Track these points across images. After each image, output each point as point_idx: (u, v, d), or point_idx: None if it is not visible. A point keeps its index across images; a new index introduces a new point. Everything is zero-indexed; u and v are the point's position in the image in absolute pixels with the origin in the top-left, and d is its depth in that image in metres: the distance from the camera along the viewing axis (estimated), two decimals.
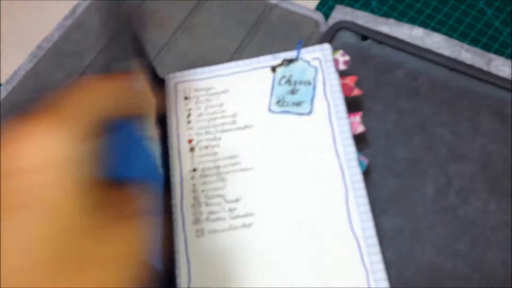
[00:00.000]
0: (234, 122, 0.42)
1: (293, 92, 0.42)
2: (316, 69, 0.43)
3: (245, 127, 0.42)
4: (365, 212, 0.37)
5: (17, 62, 0.52)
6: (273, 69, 0.44)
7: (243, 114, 0.42)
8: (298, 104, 0.42)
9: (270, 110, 0.42)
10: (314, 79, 0.42)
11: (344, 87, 0.42)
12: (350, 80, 0.43)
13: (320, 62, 0.43)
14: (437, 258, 0.41)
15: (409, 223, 0.42)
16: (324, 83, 0.42)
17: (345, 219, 0.37)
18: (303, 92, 0.42)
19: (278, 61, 0.44)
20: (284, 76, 0.43)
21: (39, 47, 0.53)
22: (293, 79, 0.43)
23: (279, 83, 0.43)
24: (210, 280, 0.37)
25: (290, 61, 0.44)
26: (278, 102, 0.42)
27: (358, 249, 0.36)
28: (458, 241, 0.42)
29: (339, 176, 0.38)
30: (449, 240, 0.42)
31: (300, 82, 0.42)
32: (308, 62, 0.43)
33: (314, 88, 0.42)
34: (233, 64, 0.45)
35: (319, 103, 0.41)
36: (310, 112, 0.41)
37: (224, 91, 0.44)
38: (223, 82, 0.44)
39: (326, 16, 0.54)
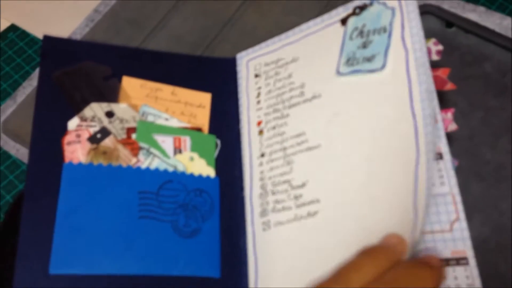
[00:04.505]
0: (301, 94, 0.36)
1: (365, 45, 0.34)
2: (393, 10, 0.34)
3: (313, 97, 0.36)
4: None
5: (72, 26, 0.48)
6: (343, 21, 0.36)
7: (311, 83, 0.36)
8: (369, 59, 0.34)
9: (338, 72, 0.35)
10: (391, 24, 0.34)
11: (435, 79, 0.33)
12: (442, 73, 0.33)
13: (399, 1, 0.34)
14: None
15: (495, 233, 0.35)
16: (402, 26, 0.33)
17: None
18: (377, 42, 0.34)
19: (349, 11, 0.36)
20: (356, 28, 0.35)
21: (95, 10, 0.50)
22: (366, 29, 0.35)
23: (350, 38, 0.35)
24: (275, 280, 0.33)
25: (362, 8, 0.36)
26: (347, 61, 0.35)
27: None
28: None
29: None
30: None
31: (374, 32, 0.34)
32: (384, 3, 0.35)
33: (390, 35, 0.33)
34: (303, 26, 0.39)
35: (395, 53, 0.33)
36: (383, 66, 0.33)
37: (293, 60, 0.38)
38: (292, 50, 0.39)
39: None
